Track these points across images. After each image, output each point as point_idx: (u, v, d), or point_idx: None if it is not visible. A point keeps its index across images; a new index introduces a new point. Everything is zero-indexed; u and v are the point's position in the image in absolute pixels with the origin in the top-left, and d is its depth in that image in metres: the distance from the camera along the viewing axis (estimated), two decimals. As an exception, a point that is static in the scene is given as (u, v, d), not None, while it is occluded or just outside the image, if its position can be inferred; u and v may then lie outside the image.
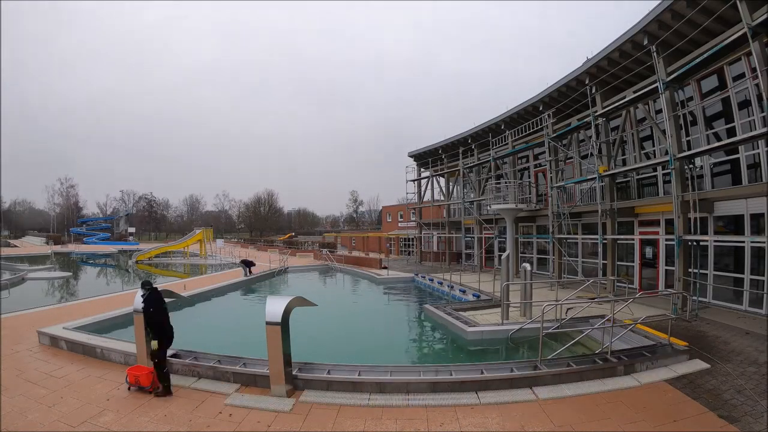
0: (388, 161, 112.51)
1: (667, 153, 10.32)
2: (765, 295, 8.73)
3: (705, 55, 8.98)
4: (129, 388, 5.56)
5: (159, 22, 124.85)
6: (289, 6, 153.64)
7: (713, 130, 10.31)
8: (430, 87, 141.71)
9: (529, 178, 18.44)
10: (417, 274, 18.88)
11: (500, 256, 14.49)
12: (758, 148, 9.15)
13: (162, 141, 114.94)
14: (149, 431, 4.49)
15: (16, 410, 4.93)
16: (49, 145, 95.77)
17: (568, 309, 8.58)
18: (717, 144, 9.23)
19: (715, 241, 9.86)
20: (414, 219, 28.20)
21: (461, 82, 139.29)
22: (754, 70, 8.62)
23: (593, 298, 9.44)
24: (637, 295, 9.09)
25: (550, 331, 7.78)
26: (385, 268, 21.77)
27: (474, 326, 8.54)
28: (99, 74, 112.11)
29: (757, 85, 8.62)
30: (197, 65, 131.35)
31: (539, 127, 16.29)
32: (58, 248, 46.63)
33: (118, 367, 6.40)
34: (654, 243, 12.05)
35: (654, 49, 10.10)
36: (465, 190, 23.17)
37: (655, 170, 12.20)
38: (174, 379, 5.86)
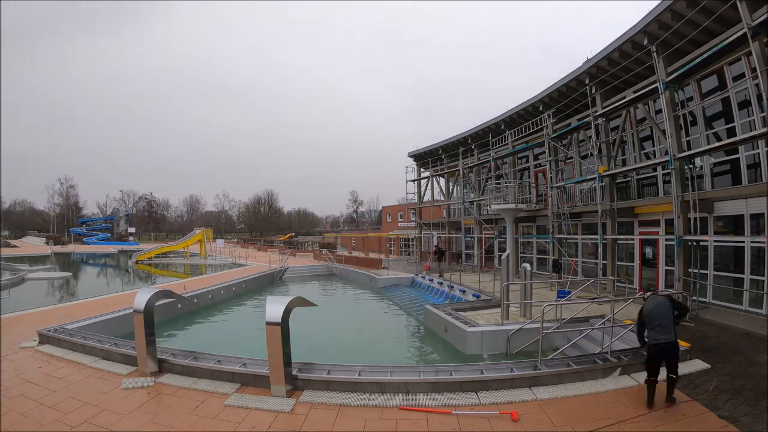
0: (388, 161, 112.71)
1: (667, 153, 10.32)
2: (765, 295, 8.72)
3: (705, 56, 8.97)
4: None
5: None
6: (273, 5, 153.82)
7: (713, 130, 10.30)
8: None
9: (529, 178, 18.44)
10: (417, 275, 18.88)
11: (500, 256, 14.48)
12: (758, 148, 9.14)
13: (162, 140, 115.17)
14: (149, 431, 4.49)
15: (15, 410, 4.92)
16: (49, 145, 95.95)
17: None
18: (717, 144, 9.23)
19: (715, 241, 9.85)
20: (414, 219, 28.20)
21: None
22: (754, 70, 8.61)
23: (593, 298, 9.44)
24: (637, 295, 9.07)
25: (549, 331, 7.78)
26: (385, 268, 21.76)
27: (474, 326, 8.54)
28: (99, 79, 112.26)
29: (757, 85, 8.61)
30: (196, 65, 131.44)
31: (539, 127, 16.29)
32: (58, 248, 46.68)
33: (118, 368, 6.40)
34: (654, 243, 12.04)
35: (654, 49, 10.10)
36: (465, 190, 23.16)
37: (655, 170, 12.19)
38: (173, 379, 5.87)
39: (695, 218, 9.62)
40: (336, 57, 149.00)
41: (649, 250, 12.33)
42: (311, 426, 4.55)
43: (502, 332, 8.30)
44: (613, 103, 12.36)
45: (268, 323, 5.28)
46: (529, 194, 17.27)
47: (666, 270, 11.46)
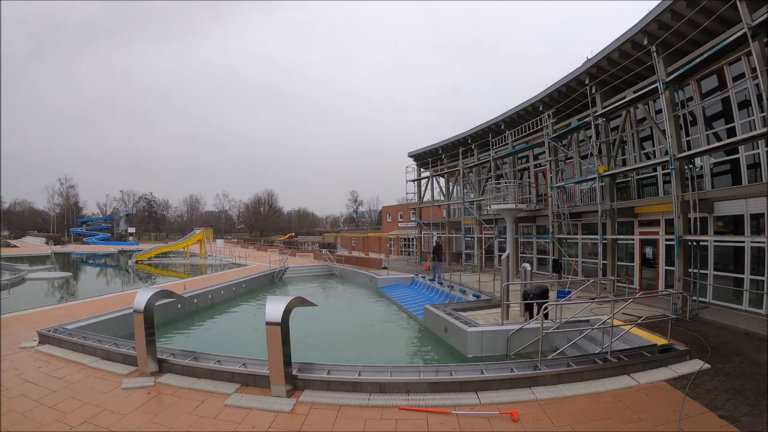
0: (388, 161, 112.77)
1: (667, 153, 10.31)
2: (765, 295, 8.72)
3: (705, 56, 8.97)
4: None
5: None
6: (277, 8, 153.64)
7: (713, 130, 10.30)
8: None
9: (529, 178, 18.44)
10: (417, 275, 18.87)
11: (500, 256, 14.48)
12: (758, 148, 9.14)
13: (162, 140, 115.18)
14: (149, 431, 4.49)
15: (15, 410, 4.92)
16: (50, 145, 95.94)
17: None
18: (717, 144, 9.23)
19: (715, 241, 9.85)
20: (414, 219, 28.19)
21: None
22: (754, 70, 8.61)
23: (593, 298, 9.44)
24: (637, 295, 9.08)
25: (549, 331, 7.78)
26: (385, 268, 21.76)
27: (474, 326, 8.53)
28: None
29: (757, 85, 8.61)
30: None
31: (539, 127, 16.29)
32: (58, 248, 46.69)
33: (118, 368, 6.40)
34: (654, 243, 12.04)
35: (654, 49, 10.10)
36: (465, 190, 23.16)
37: (655, 170, 12.20)
38: (173, 379, 5.86)
39: (695, 218, 9.62)
40: (336, 57, 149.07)
41: (649, 250, 12.33)
42: (311, 426, 4.55)
43: (502, 332, 8.29)
44: (613, 103, 12.35)
45: (268, 323, 5.27)
46: (529, 194, 17.27)
47: (666, 270, 11.47)
